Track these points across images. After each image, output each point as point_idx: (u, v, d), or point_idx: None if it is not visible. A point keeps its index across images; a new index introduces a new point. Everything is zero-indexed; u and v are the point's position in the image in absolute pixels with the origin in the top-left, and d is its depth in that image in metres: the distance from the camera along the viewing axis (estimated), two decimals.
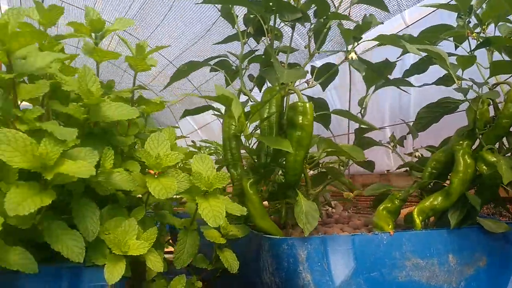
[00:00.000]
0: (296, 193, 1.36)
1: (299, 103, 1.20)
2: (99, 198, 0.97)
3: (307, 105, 1.19)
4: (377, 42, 1.22)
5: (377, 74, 1.31)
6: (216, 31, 5.67)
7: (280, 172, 1.50)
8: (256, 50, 1.59)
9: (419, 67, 1.56)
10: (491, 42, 1.34)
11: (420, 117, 1.69)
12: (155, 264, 0.99)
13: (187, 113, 1.49)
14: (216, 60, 1.57)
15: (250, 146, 1.45)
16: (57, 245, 0.82)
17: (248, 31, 1.38)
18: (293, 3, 1.32)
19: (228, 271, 1.24)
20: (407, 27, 3.39)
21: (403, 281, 1.25)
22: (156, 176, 0.96)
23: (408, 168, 1.67)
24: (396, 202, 1.45)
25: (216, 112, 1.49)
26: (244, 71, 1.61)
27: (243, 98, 1.51)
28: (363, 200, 2.43)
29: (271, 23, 1.40)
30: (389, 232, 1.27)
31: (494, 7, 1.39)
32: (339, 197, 1.96)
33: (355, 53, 1.23)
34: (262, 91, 1.37)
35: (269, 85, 1.41)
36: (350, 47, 1.25)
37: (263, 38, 1.51)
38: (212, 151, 2.43)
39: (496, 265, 1.37)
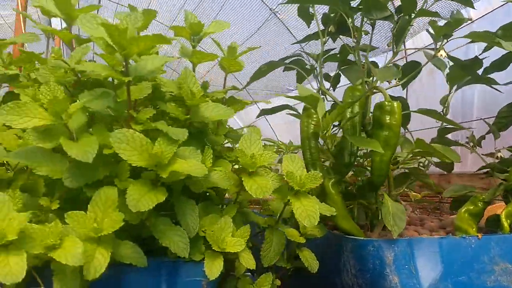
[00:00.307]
0: (376, 194, 1.35)
1: (386, 102, 1.18)
2: (191, 196, 1.00)
3: (395, 104, 1.17)
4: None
5: (465, 71, 1.26)
6: (267, 29, 5.69)
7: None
8: (333, 49, 1.58)
9: (500, 65, 1.49)
10: None
11: (501, 116, 1.61)
12: (247, 261, 1.00)
13: (264, 112, 1.50)
14: (291, 59, 1.58)
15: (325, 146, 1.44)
16: (165, 240, 0.85)
17: (329, 30, 1.37)
18: None
19: (299, 271, 1.24)
20: (472, 22, 3.26)
21: (491, 286, 1.20)
22: (249, 175, 0.97)
23: (489, 169, 1.61)
24: (479, 205, 1.40)
25: (292, 112, 1.50)
26: (318, 70, 1.60)
27: None
28: (427, 201, 2.35)
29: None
30: (477, 236, 1.23)
31: None
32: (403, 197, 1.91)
33: (444, 50, 1.19)
34: (343, 90, 1.36)
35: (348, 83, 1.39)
36: (439, 44, 1.21)
37: (339, 36, 1.50)
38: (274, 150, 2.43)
39: None
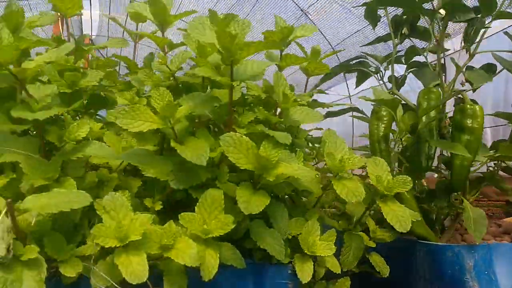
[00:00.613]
0: (449, 198, 1.33)
1: (468, 106, 1.16)
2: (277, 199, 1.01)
3: (477, 107, 1.16)
4: None
5: None
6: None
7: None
8: (399, 51, 1.57)
9: None
10: None
11: None
12: (333, 265, 1.01)
13: (330, 114, 1.50)
14: (356, 61, 1.57)
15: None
16: (262, 243, 0.87)
17: (403, 32, 1.36)
18: None
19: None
20: None
21: None
22: (338, 179, 0.97)
23: None
24: None
25: (358, 114, 1.49)
26: (384, 72, 1.59)
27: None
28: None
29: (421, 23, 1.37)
30: None
31: None
32: None
33: None
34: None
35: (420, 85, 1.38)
36: None
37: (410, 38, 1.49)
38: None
39: None
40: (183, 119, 0.83)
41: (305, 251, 0.94)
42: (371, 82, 1.61)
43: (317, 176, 1.00)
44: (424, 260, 1.24)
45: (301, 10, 5.62)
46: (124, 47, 1.06)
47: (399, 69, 1.69)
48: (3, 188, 0.74)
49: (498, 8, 1.28)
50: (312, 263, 0.95)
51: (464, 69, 1.28)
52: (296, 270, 0.93)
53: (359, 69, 1.51)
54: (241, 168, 0.80)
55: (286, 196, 1.04)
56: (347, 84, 5.60)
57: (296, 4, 5.51)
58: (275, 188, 0.89)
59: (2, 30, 0.71)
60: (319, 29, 5.76)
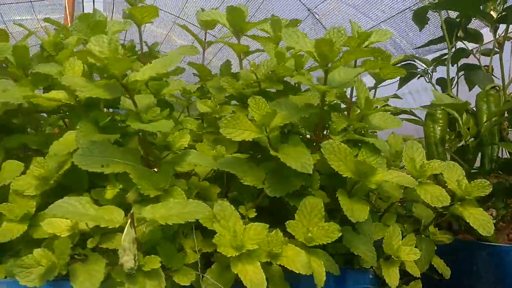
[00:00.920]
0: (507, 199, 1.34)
1: None
2: None
3: None
4: None
5: None
6: (305, 30, 5.69)
7: None
8: (444, 54, 1.58)
9: None
10: None
11: None
12: (413, 268, 1.01)
13: None
14: (403, 63, 1.58)
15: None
16: (356, 250, 0.87)
17: (458, 34, 1.37)
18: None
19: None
20: None
21: None
22: (419, 184, 0.98)
23: None
24: None
25: (409, 116, 1.50)
26: (431, 74, 1.60)
27: None
28: None
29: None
30: None
31: None
32: None
33: None
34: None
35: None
36: None
37: (453, 41, 1.50)
38: None
39: None
40: (278, 127, 0.84)
41: (392, 256, 0.95)
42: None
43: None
44: (487, 261, 1.24)
45: (308, 10, 5.63)
46: (195, 54, 1.06)
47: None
48: (112, 199, 0.75)
49: None
50: (398, 268, 0.95)
51: None
52: (384, 275, 0.93)
53: (410, 71, 1.52)
54: (343, 175, 0.80)
55: None
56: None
57: (303, 3, 5.52)
58: (362, 193, 0.89)
59: (109, 43, 0.71)
60: (326, 29, 5.77)
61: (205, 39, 1.15)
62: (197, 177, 0.92)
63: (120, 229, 0.72)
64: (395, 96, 1.18)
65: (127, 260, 0.64)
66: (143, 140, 0.79)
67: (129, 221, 0.65)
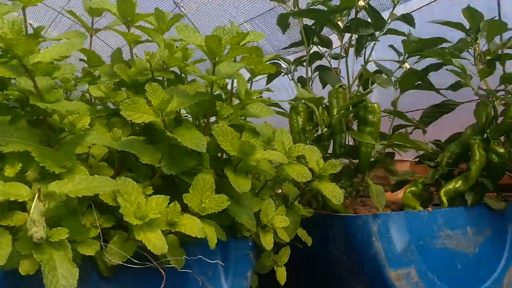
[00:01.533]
0: (352, 179, 1.64)
1: (369, 104, 1.46)
2: None
3: (375, 105, 1.47)
4: None
5: (419, 80, 1.62)
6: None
7: None
8: (304, 56, 1.83)
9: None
10: (500, 58, 1.71)
11: (426, 115, 2.03)
12: (283, 235, 1.20)
13: None
14: (270, 61, 1.79)
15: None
16: (240, 219, 1.01)
17: (314, 40, 1.62)
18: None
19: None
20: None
21: (439, 247, 1.56)
22: (288, 164, 1.16)
23: (419, 158, 2.01)
24: (420, 186, 1.77)
25: (277, 108, 1.71)
26: (293, 73, 1.85)
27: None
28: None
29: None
30: (428, 209, 1.59)
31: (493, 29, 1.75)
32: None
33: (408, 63, 1.53)
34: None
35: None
36: (404, 57, 1.55)
37: (310, 46, 1.76)
38: None
39: (497, 235, 1.73)
40: (173, 112, 0.93)
41: (267, 224, 1.12)
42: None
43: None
44: (339, 229, 1.52)
45: (175, 3, 5.69)
46: (81, 41, 1.08)
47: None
48: (13, 178, 0.75)
49: (386, 25, 1.63)
50: (272, 234, 1.13)
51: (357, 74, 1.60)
52: (261, 240, 1.10)
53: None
54: (230, 154, 0.93)
55: None
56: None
57: None
58: (244, 171, 1.04)
59: (13, 24, 0.72)
60: (193, 24, 5.90)
61: (92, 25, 1.17)
62: (94, 159, 0.95)
63: (19, 208, 0.74)
64: (268, 89, 1.36)
65: (37, 231, 0.67)
66: (42, 121, 0.81)
67: (37, 194, 0.68)
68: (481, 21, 1.74)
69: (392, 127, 1.78)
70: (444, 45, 1.70)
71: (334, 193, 1.20)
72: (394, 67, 1.73)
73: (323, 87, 1.87)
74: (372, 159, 1.71)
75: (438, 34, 1.70)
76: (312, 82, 1.79)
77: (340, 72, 1.76)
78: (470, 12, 1.71)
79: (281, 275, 1.24)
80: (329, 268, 1.61)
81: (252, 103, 1.11)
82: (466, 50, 1.81)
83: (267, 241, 1.09)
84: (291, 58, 1.92)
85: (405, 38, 1.55)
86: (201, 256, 0.96)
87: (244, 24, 5.26)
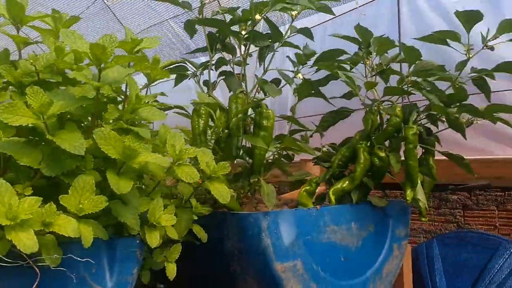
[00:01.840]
0: (249, 179, 1.75)
1: (264, 110, 1.58)
2: None
3: (270, 111, 1.59)
4: None
5: (313, 89, 1.76)
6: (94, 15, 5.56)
7: None
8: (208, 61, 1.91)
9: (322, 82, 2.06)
10: (384, 72, 1.91)
11: (324, 120, 2.20)
12: (172, 232, 1.27)
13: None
14: (176, 65, 1.85)
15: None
16: (122, 218, 1.06)
17: (217, 47, 1.70)
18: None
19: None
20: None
21: (325, 241, 1.72)
22: (178, 165, 1.23)
23: (316, 160, 2.18)
24: (313, 185, 1.93)
25: (180, 111, 1.77)
26: (199, 77, 1.92)
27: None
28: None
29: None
30: (316, 207, 1.74)
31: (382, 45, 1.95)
32: None
33: (301, 74, 1.67)
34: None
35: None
36: (296, 68, 1.68)
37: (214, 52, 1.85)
38: None
39: (379, 229, 1.94)
40: (55, 115, 0.96)
41: (154, 223, 1.18)
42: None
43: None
44: (233, 226, 1.61)
45: None
46: None
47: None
48: None
49: (284, 38, 1.75)
50: (158, 232, 1.19)
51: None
52: (147, 238, 1.16)
53: (179, 73, 1.80)
54: (112, 157, 0.98)
55: None
56: None
57: None
58: (131, 173, 1.09)
59: None
60: (118, 19, 5.76)
61: None
62: None
63: None
64: (162, 93, 1.42)
65: None
66: None
67: None
68: (370, 38, 1.93)
69: (289, 131, 1.92)
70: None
71: (221, 193, 1.29)
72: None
73: (229, 91, 1.96)
74: (270, 161, 1.84)
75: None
76: (216, 87, 1.88)
77: (243, 78, 1.86)
78: (361, 29, 1.89)
79: (171, 271, 1.32)
80: (224, 262, 1.71)
81: (143, 107, 1.16)
82: (362, 62, 2.00)
83: (153, 239, 1.15)
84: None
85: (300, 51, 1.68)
86: (72, 256, 1.00)
87: (169, 20, 5.23)
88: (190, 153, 1.26)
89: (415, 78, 1.89)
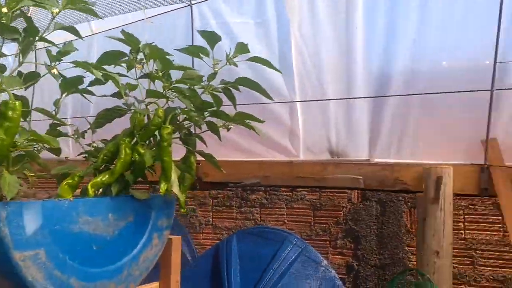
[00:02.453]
0: None
1: (10, 101, 1.59)
2: None
3: (17, 103, 1.60)
4: None
5: (71, 85, 1.84)
6: None
7: None
8: None
9: (99, 81, 2.17)
10: (149, 76, 2.11)
11: (99, 117, 2.31)
12: None
13: None
14: None
15: None
16: None
17: None
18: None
19: None
20: (94, 34, 3.99)
21: (76, 231, 1.80)
22: None
23: (87, 155, 2.26)
24: (76, 179, 2.00)
25: None
26: None
27: None
28: (51, 181, 2.84)
29: None
30: (69, 199, 1.82)
31: (152, 52, 2.15)
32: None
33: (57, 69, 1.73)
34: None
35: None
36: (53, 64, 1.74)
37: None
38: None
39: (139, 220, 2.11)
40: None
41: None
42: None
43: None
44: None
45: None
46: None
47: None
48: None
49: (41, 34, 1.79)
50: None
51: None
52: None
53: None
54: None
55: None
56: None
57: None
58: None
59: None
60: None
61: None
62: None
63: None
64: None
65: None
66: None
67: None
68: (138, 44, 2.10)
69: (49, 125, 1.96)
70: None
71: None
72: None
73: None
74: (22, 152, 1.84)
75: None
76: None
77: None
78: (128, 35, 2.05)
79: None
80: None
81: None
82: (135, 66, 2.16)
83: None
84: None
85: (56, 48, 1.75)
86: None
87: None
88: None
89: (180, 85, 2.14)
